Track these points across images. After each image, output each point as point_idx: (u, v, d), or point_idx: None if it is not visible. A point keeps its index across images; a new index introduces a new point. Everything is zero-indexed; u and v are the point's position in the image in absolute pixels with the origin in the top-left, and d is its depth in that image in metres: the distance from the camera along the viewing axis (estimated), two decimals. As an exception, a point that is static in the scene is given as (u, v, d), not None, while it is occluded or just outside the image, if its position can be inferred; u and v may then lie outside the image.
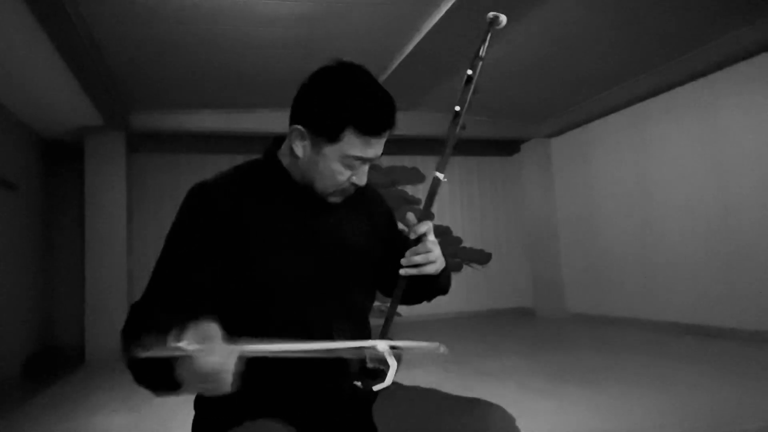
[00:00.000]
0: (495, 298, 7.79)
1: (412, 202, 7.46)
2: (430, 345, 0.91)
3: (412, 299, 1.15)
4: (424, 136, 6.55)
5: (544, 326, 6.39)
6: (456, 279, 7.75)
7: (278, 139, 1.11)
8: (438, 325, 6.67)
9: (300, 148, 1.00)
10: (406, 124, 6.63)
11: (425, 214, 1.06)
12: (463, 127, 1.08)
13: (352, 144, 0.97)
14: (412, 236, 1.02)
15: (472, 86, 1.04)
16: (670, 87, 5.45)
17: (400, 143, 7.50)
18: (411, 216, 1.04)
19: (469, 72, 1.04)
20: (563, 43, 4.66)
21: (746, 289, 4.70)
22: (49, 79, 4.20)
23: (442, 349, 0.91)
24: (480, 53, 1.05)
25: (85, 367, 5.07)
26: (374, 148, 0.99)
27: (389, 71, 4.94)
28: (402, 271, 1.02)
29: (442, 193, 7.80)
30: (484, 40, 1.05)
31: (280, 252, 1.00)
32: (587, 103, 6.39)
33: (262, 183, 1.04)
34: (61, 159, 6.12)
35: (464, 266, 7.73)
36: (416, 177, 7.54)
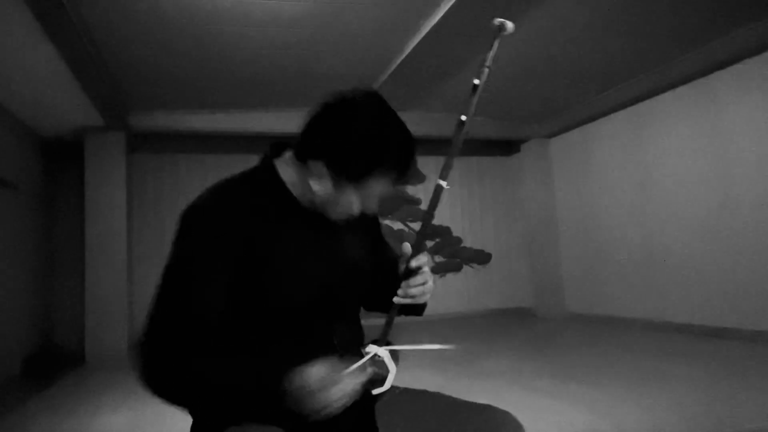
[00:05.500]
0: (495, 298, 7.79)
1: (412, 202, 7.47)
2: (438, 346, 0.95)
3: (382, 309, 1.15)
4: (424, 136, 6.54)
5: (544, 326, 6.39)
6: (456, 279, 7.81)
7: (276, 147, 1.06)
8: (438, 325, 6.66)
9: (318, 184, 0.96)
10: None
11: (427, 220, 1.05)
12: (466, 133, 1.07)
13: (378, 185, 0.96)
14: (414, 264, 1.00)
15: (477, 95, 1.03)
16: (670, 87, 5.45)
17: (400, 143, 7.49)
18: (407, 246, 1.02)
19: (476, 81, 1.02)
20: (563, 43, 4.66)
21: (746, 289, 4.70)
22: (49, 79, 4.20)
23: (450, 346, 0.93)
24: (486, 62, 1.03)
25: (85, 367, 5.07)
26: (392, 185, 1.00)
27: (389, 71, 4.94)
28: (396, 300, 1.01)
29: (443, 193, 7.80)
30: (490, 48, 1.03)
31: (284, 269, 0.98)
32: (587, 103, 6.39)
33: (261, 199, 1.00)
34: (61, 159, 6.11)
35: (464, 266, 7.74)
36: (416, 177, 7.54)
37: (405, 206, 7.39)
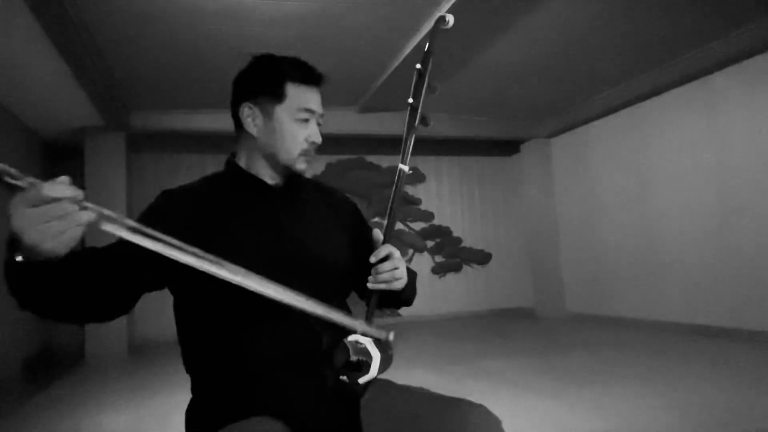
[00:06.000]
0: (495, 298, 7.79)
1: (412, 202, 7.47)
2: (379, 332, 0.98)
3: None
4: (424, 136, 6.54)
5: (544, 326, 6.39)
6: (456, 279, 7.80)
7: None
8: (438, 325, 6.67)
9: (252, 124, 1.08)
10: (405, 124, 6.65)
11: (393, 206, 1.10)
12: (425, 123, 1.14)
13: (297, 96, 1.07)
14: (373, 260, 1.06)
15: (426, 80, 1.12)
16: (670, 87, 5.46)
17: (399, 143, 7.51)
18: (377, 233, 1.08)
19: (418, 66, 1.11)
20: (563, 43, 4.66)
21: (746, 289, 4.70)
22: (49, 80, 4.20)
23: (391, 336, 0.99)
24: (428, 49, 1.12)
25: (85, 367, 5.07)
26: (316, 100, 1.09)
27: (389, 71, 4.94)
28: (369, 285, 1.06)
29: (442, 193, 7.82)
30: (431, 38, 1.12)
31: (246, 246, 1.01)
32: (587, 103, 6.39)
33: (226, 186, 1.10)
34: (61, 159, 6.11)
35: (464, 266, 7.74)
36: (416, 177, 7.55)
37: (405, 206, 7.40)
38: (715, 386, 3.21)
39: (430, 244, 7.56)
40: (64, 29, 3.53)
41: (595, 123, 6.57)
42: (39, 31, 3.32)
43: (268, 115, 1.07)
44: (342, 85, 5.41)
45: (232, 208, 1.06)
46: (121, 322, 5.57)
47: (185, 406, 1.06)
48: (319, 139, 1.09)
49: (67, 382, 4.39)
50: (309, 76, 1.09)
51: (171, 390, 3.61)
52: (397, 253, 1.07)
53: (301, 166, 1.10)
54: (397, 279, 1.06)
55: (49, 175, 5.55)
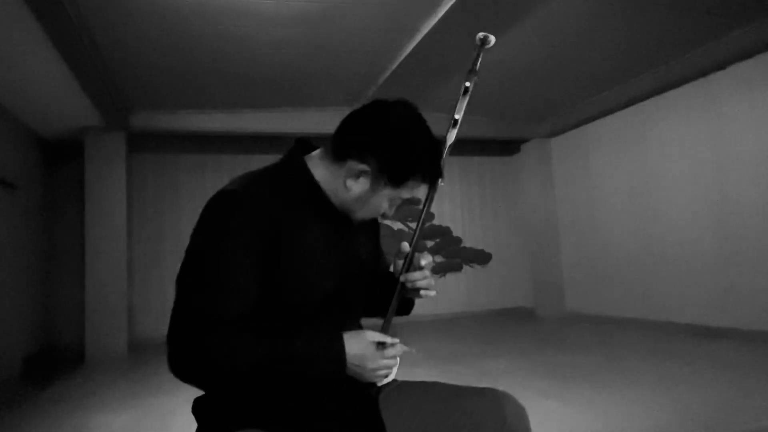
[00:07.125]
0: (495, 298, 7.79)
1: (411, 202, 7.46)
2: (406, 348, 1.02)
3: (377, 310, 1.18)
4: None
5: (544, 326, 6.39)
6: (456, 279, 7.80)
7: (301, 142, 1.09)
8: (438, 325, 6.67)
9: (356, 184, 1.00)
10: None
11: (425, 215, 1.10)
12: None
13: (409, 189, 1.03)
14: (423, 262, 1.07)
15: (468, 97, 1.13)
16: (670, 87, 5.45)
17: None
18: (405, 246, 1.08)
19: (467, 84, 1.12)
20: (563, 43, 4.66)
21: (746, 289, 4.70)
22: (49, 80, 4.20)
23: (414, 350, 1.00)
24: (475, 68, 1.14)
25: (85, 367, 5.07)
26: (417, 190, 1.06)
27: (389, 71, 4.94)
28: (402, 278, 1.05)
29: (442, 193, 7.81)
30: (476, 59, 1.14)
31: (308, 263, 1.00)
32: (587, 103, 6.39)
33: (294, 193, 1.02)
34: (61, 159, 6.11)
35: (464, 266, 7.74)
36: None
37: (404, 206, 7.39)
38: (715, 386, 3.21)
39: (430, 244, 7.56)
40: (64, 29, 3.53)
41: (595, 123, 6.57)
42: (39, 31, 3.32)
43: (374, 188, 1.00)
44: (341, 85, 5.40)
45: (302, 221, 1.01)
46: (122, 322, 5.58)
47: (185, 407, 1.06)
48: (390, 215, 1.08)
49: (67, 382, 4.39)
50: (432, 178, 1.04)
51: (171, 390, 3.61)
52: (429, 268, 1.09)
53: (356, 221, 1.08)
54: (426, 287, 1.08)
55: (49, 175, 5.52)
